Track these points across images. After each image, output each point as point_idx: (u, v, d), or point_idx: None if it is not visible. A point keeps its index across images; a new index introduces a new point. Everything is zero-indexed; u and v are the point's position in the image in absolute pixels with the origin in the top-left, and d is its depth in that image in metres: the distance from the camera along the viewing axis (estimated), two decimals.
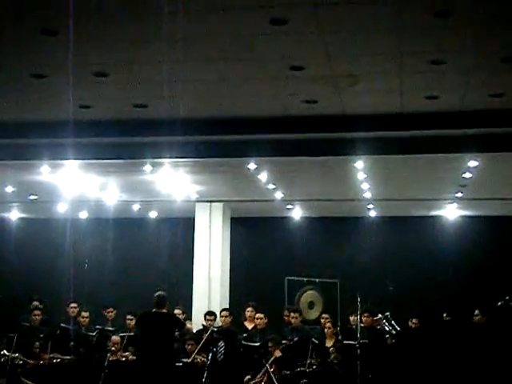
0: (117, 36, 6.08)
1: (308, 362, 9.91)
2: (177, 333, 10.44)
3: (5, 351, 9.80)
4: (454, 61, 6.49)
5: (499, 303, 11.08)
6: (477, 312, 11.27)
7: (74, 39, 5.95)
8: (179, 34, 5.93)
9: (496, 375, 2.66)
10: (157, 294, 9.80)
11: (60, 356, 10.26)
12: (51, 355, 10.16)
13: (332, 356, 10.01)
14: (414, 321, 11.47)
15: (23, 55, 6.57)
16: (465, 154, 8.91)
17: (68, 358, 10.25)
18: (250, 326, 11.69)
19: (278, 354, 10.21)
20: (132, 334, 10.86)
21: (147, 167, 9.73)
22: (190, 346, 10.52)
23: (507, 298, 11.05)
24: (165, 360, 9.34)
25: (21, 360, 9.69)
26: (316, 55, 6.42)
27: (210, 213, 13.23)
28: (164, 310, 9.73)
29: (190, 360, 10.20)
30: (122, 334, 10.91)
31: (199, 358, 10.20)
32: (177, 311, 11.52)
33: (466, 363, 2.63)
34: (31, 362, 9.82)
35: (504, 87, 7.22)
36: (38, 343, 10.24)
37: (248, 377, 10.21)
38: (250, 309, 11.84)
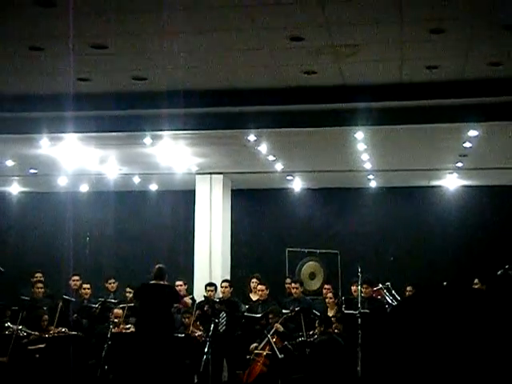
0: (115, 8, 6.04)
1: (310, 332, 9.98)
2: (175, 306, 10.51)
3: (9, 323, 9.85)
4: (454, 30, 6.46)
5: (499, 272, 11.14)
6: (476, 281, 11.33)
7: (72, 11, 5.92)
8: (178, 4, 5.90)
9: (493, 341, 2.69)
10: (157, 266, 9.83)
11: (66, 329, 10.28)
12: (58, 329, 10.18)
13: (333, 326, 10.08)
14: (408, 289, 11.56)
15: (21, 28, 6.54)
16: (465, 124, 8.90)
17: (74, 333, 10.27)
18: (254, 297, 11.76)
19: (279, 328, 10.25)
20: (132, 304, 10.87)
21: (147, 140, 9.71)
22: (187, 320, 10.57)
23: (507, 266, 11.11)
24: (163, 331, 9.38)
25: (25, 332, 9.74)
26: (316, 25, 6.39)
27: (210, 185, 13.22)
28: (162, 282, 9.76)
29: (189, 332, 10.26)
30: (122, 305, 10.93)
31: (197, 333, 10.23)
32: (178, 283, 11.56)
33: (463, 329, 2.65)
34: (35, 333, 9.86)
35: (505, 56, 7.20)
36: (46, 316, 10.25)
37: (255, 344, 10.26)
38: (254, 280, 11.92)
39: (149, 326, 9.39)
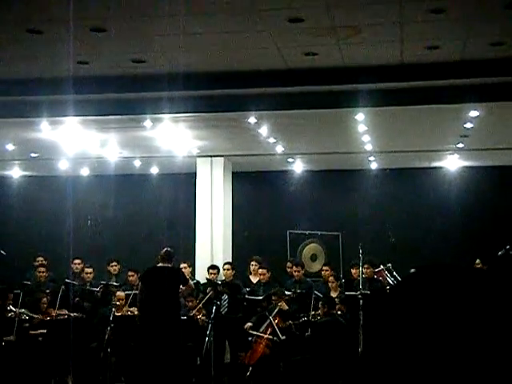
0: None
1: (312, 313, 10.02)
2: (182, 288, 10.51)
3: (11, 307, 9.89)
4: (454, 9, 6.42)
5: (500, 252, 11.15)
6: (478, 261, 11.34)
7: None
8: None
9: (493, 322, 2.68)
10: (165, 249, 9.83)
11: (67, 312, 10.32)
12: (58, 311, 10.22)
13: (336, 307, 10.11)
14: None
15: (20, 11, 6.50)
16: (466, 104, 8.87)
17: (76, 314, 10.29)
18: (254, 279, 11.79)
19: (284, 306, 10.29)
20: (136, 292, 10.86)
21: (147, 123, 9.70)
22: (190, 303, 10.60)
23: (508, 246, 11.12)
24: (170, 314, 9.40)
25: (27, 316, 9.79)
26: (316, 6, 6.36)
27: (211, 168, 13.22)
28: (168, 265, 9.75)
29: (191, 314, 10.30)
30: (127, 292, 10.93)
31: (200, 316, 10.26)
32: (182, 265, 11.53)
33: (463, 309, 2.65)
34: (37, 317, 9.91)
35: (506, 35, 7.16)
36: (45, 299, 10.30)
37: (249, 324, 10.30)
38: (253, 263, 11.93)
39: (154, 309, 9.38)
